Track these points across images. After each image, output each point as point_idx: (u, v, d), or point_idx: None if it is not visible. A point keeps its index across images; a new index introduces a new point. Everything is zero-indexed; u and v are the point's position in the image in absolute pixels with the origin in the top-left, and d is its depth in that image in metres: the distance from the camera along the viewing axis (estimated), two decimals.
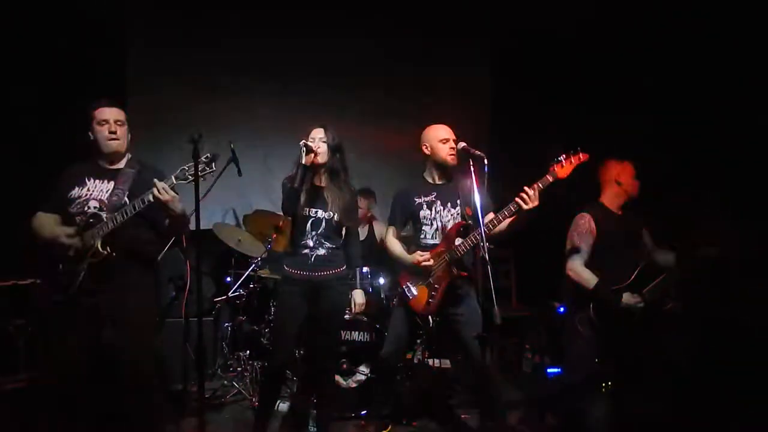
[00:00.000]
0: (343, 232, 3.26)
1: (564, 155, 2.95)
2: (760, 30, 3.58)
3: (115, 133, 2.82)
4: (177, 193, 2.72)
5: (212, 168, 2.66)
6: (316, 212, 3.13)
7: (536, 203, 2.92)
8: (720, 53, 3.75)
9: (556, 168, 2.95)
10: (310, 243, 3.13)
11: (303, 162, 3.01)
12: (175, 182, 2.68)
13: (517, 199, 2.94)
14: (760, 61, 3.55)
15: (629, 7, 4.25)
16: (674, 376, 3.57)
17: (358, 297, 3.39)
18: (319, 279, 3.14)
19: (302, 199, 3.09)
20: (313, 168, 3.11)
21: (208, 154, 2.65)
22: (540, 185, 2.94)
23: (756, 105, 3.56)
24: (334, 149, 3.12)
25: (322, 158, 3.10)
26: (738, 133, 3.74)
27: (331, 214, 3.13)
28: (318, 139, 3.10)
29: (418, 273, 3.24)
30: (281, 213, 3.33)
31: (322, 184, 3.16)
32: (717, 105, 3.75)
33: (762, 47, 3.57)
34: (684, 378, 3.53)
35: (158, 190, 2.66)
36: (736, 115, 3.71)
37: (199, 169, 2.60)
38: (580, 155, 2.95)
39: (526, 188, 2.94)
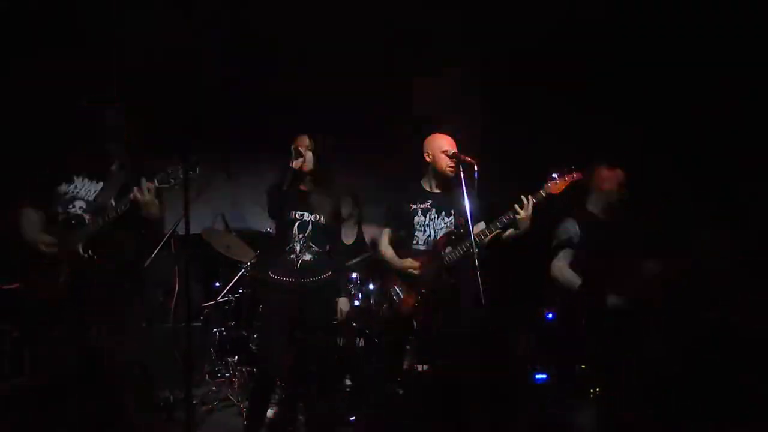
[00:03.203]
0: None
1: (558, 173, 3.07)
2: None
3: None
4: (158, 198, 2.65)
5: (197, 172, 2.59)
6: (302, 215, 3.16)
7: (530, 213, 3.01)
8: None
9: (550, 185, 3.06)
10: (297, 247, 3.14)
11: (292, 166, 3.06)
12: (158, 185, 2.62)
13: (514, 206, 3.02)
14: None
15: (625, 11, 4.30)
16: (660, 380, 3.60)
17: (343, 305, 3.40)
18: (306, 285, 3.14)
19: (289, 203, 3.12)
20: (300, 174, 3.15)
21: (192, 159, 2.57)
22: (534, 199, 3.04)
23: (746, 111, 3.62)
24: (319, 156, 3.17)
25: (308, 165, 3.15)
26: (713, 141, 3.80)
27: (318, 216, 3.17)
28: (304, 147, 3.14)
29: (408, 277, 3.27)
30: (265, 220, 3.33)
31: (308, 189, 3.20)
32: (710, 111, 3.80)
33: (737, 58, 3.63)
34: (670, 382, 3.56)
35: (140, 191, 2.60)
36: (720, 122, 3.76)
37: (180, 173, 2.57)
38: (574, 174, 3.07)
39: (522, 197, 3.03)
